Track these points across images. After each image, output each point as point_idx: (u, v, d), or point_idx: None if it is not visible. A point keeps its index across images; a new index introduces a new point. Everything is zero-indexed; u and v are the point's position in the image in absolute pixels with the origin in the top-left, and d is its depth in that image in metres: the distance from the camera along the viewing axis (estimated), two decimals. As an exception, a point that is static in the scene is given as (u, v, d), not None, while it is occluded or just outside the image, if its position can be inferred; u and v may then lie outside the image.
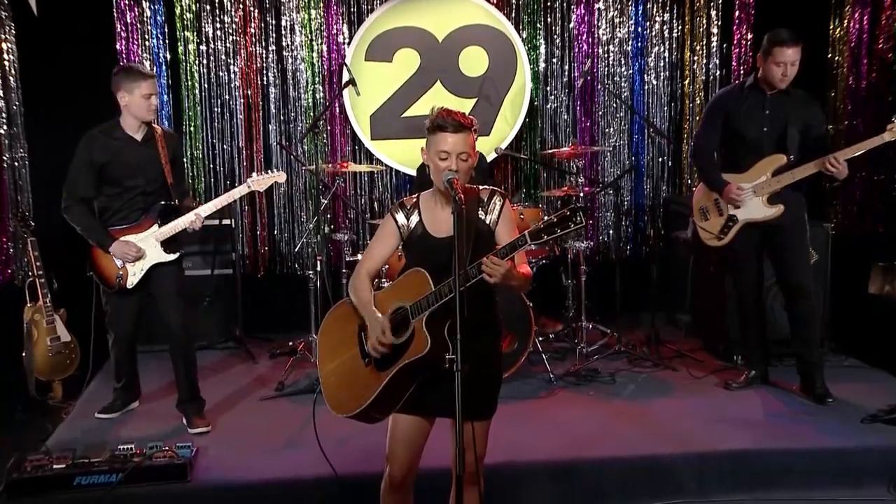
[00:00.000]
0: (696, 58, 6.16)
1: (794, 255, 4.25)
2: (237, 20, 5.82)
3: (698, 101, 6.15)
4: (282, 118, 5.97)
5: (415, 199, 2.76)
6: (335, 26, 5.94)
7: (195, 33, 5.79)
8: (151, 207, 4.01)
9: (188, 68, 5.82)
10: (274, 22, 5.87)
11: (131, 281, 3.98)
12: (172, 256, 4.03)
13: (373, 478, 3.48)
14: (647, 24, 6.12)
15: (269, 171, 4.25)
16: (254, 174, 4.27)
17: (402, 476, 2.77)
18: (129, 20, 5.67)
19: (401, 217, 2.73)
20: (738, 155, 4.31)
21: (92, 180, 3.95)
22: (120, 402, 4.29)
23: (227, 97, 5.90)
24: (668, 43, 6.15)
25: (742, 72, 5.99)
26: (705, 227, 4.44)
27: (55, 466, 3.35)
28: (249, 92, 5.90)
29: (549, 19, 6.08)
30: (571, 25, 6.08)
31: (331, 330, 2.85)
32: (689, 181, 6.19)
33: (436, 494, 3.04)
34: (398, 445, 2.75)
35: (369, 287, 2.76)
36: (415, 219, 2.71)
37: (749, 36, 6.03)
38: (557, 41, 6.11)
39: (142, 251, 3.96)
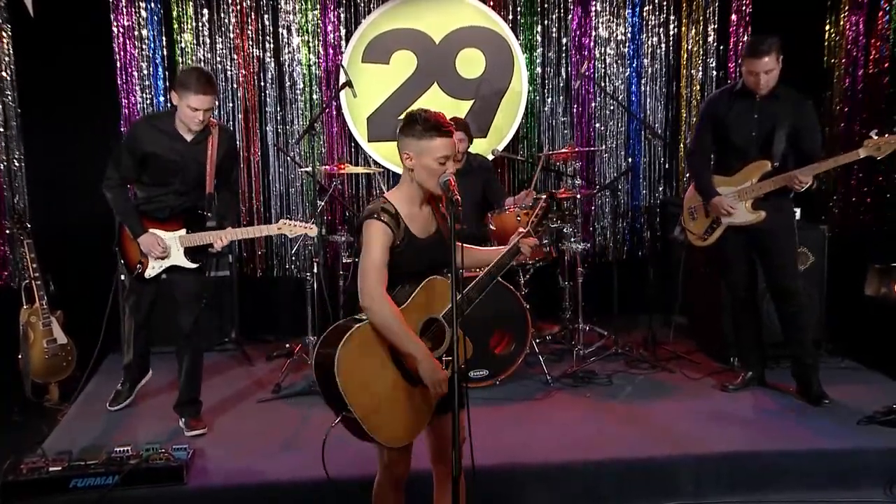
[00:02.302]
0: (692, 59, 6.17)
1: (780, 258, 4.26)
2: (234, 22, 5.82)
3: (694, 103, 6.16)
4: (279, 120, 5.96)
5: (391, 204, 2.63)
6: (332, 28, 5.94)
7: (192, 35, 5.79)
8: (181, 209, 3.97)
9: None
10: (271, 24, 5.87)
11: (149, 273, 3.98)
12: (193, 265, 4.00)
13: (370, 479, 3.49)
14: (644, 25, 6.13)
15: (303, 223, 4.15)
16: (287, 219, 4.26)
17: (403, 477, 2.79)
18: (126, 21, 5.67)
19: (392, 225, 2.60)
20: (726, 158, 4.34)
21: (133, 165, 3.91)
22: (129, 386, 4.29)
23: (224, 99, 5.89)
24: (664, 45, 6.16)
25: (738, 73, 5.99)
26: (691, 228, 4.51)
27: (51, 469, 3.35)
28: (247, 94, 5.90)
29: (546, 21, 6.08)
30: (568, 27, 6.08)
31: (356, 363, 2.54)
32: (686, 183, 6.19)
33: (421, 496, 3.05)
34: (402, 452, 2.75)
35: (399, 313, 2.57)
36: (402, 225, 2.63)
37: (745, 38, 6.03)
38: (554, 43, 6.11)
39: (168, 250, 3.94)
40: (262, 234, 4.18)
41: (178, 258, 3.98)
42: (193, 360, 4.13)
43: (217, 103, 5.83)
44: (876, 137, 3.93)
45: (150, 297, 4.12)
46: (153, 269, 3.99)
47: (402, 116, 2.69)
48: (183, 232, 3.96)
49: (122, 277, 4.15)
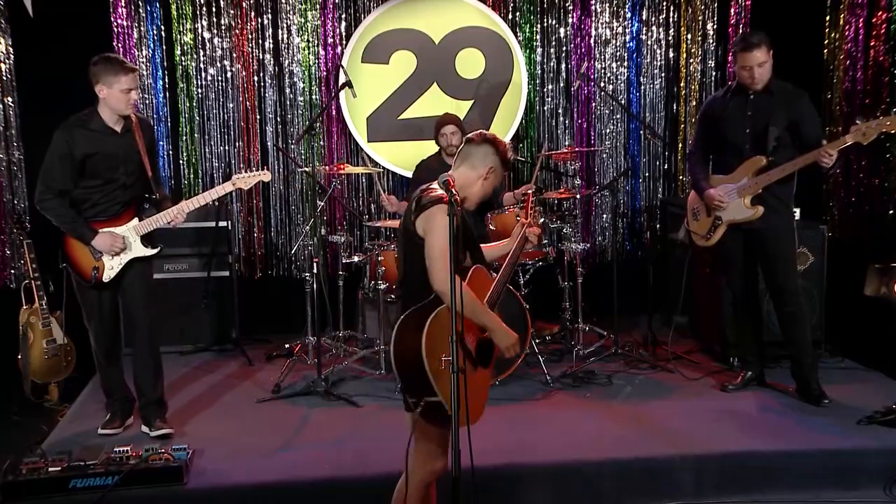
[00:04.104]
0: (692, 59, 6.17)
1: (779, 258, 4.27)
2: (234, 22, 5.82)
3: (693, 103, 6.16)
4: (278, 120, 5.96)
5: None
6: (332, 28, 5.94)
7: (192, 35, 5.79)
8: (130, 200, 3.91)
9: (185, 70, 5.81)
10: (271, 24, 5.87)
11: (108, 275, 3.86)
12: (153, 251, 3.93)
13: (370, 479, 3.49)
14: (643, 26, 6.13)
15: (255, 170, 4.13)
16: (240, 172, 4.19)
17: (442, 472, 2.81)
18: (125, 21, 5.67)
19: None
20: (725, 157, 4.36)
21: (70, 172, 3.80)
22: (120, 416, 4.10)
23: (223, 99, 5.89)
24: (664, 45, 6.16)
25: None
26: (694, 229, 4.52)
27: (51, 469, 3.34)
28: (246, 94, 5.90)
29: (545, 21, 6.09)
30: (568, 27, 6.08)
31: (438, 347, 2.57)
32: (685, 183, 6.20)
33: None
34: (447, 443, 2.76)
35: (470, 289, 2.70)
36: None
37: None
38: (554, 43, 6.11)
39: (127, 243, 3.86)
40: (218, 195, 4.04)
41: (137, 248, 3.89)
42: (155, 355, 4.02)
43: (217, 102, 5.88)
44: (861, 123, 3.95)
45: (109, 308, 3.98)
46: (112, 268, 3.87)
47: (505, 137, 2.79)
48: (136, 221, 3.89)
49: (78, 296, 3.97)
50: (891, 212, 5.41)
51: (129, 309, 3.98)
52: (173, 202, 3.98)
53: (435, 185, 2.74)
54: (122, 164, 3.87)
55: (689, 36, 6.15)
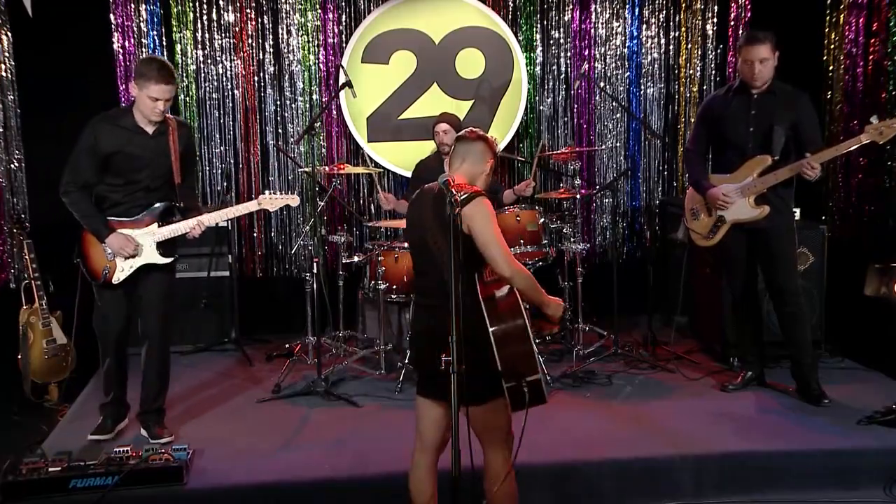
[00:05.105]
0: (691, 59, 6.17)
1: (779, 258, 4.27)
2: (234, 22, 5.82)
3: (693, 103, 6.16)
4: (278, 120, 5.96)
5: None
6: (332, 28, 5.94)
7: (192, 34, 5.79)
8: (153, 205, 3.84)
9: (185, 69, 5.81)
10: (271, 24, 5.87)
11: (117, 276, 3.82)
12: (166, 260, 3.88)
13: (370, 479, 3.49)
14: (643, 25, 6.13)
15: (282, 193, 4.09)
16: (266, 192, 4.11)
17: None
18: (125, 21, 5.67)
19: None
20: (725, 157, 4.35)
21: (95, 167, 3.76)
22: (111, 421, 4.03)
23: (223, 99, 5.89)
24: (663, 45, 6.16)
25: (736, 73, 5.99)
26: (694, 228, 4.50)
27: (51, 469, 3.35)
28: (247, 94, 5.90)
29: (545, 21, 6.08)
30: (568, 27, 6.08)
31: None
32: (685, 183, 6.19)
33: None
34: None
35: None
36: None
37: (745, 38, 6.04)
38: (554, 43, 6.11)
39: (139, 248, 3.81)
40: (241, 213, 4.05)
41: (151, 255, 3.84)
42: (162, 363, 3.98)
43: (217, 102, 5.88)
44: (877, 122, 3.94)
45: (121, 309, 3.91)
46: (122, 270, 3.82)
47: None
48: (155, 226, 3.84)
49: (94, 292, 3.93)
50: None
51: (144, 315, 3.94)
52: (194, 207, 3.94)
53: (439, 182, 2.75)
54: (147, 166, 3.80)
55: (689, 36, 6.15)
